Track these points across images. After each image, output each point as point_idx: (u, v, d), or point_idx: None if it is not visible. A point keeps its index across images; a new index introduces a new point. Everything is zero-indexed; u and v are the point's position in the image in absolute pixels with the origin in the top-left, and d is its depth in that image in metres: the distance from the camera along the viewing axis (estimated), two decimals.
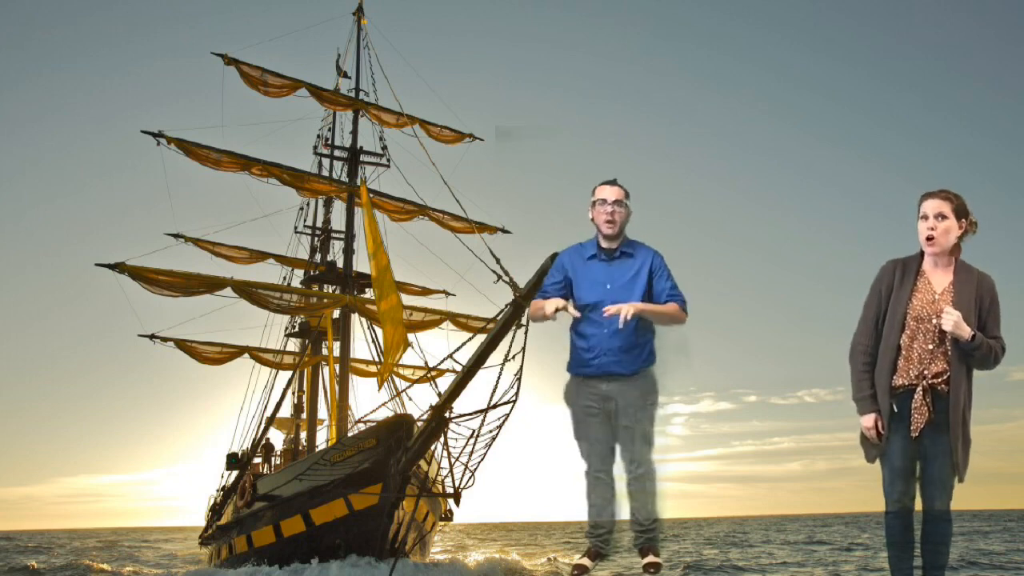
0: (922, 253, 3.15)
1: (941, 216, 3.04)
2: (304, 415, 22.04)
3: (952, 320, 2.94)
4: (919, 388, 3.02)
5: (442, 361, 9.62)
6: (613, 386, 3.55)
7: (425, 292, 20.26)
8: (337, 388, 16.83)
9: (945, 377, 3.02)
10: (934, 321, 3.03)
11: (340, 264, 17.98)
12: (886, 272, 3.18)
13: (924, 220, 3.07)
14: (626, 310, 3.41)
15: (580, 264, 3.65)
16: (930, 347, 3.04)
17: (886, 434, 3.08)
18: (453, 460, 9.89)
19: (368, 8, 19.13)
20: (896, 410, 3.06)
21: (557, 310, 3.51)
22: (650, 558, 3.60)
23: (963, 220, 3.07)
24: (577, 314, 3.52)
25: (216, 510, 18.83)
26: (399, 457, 10.75)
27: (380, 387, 14.50)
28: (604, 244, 3.66)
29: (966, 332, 2.93)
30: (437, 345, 22.85)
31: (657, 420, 3.61)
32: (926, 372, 3.03)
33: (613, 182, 3.67)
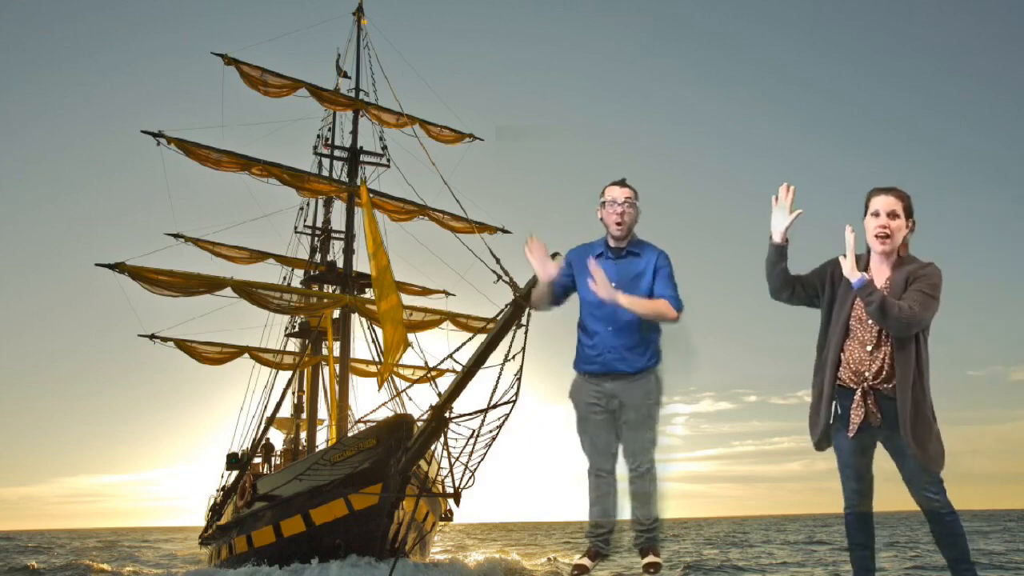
0: (868, 252, 3.12)
1: (894, 215, 3.02)
2: (304, 415, 22.04)
3: (846, 264, 2.90)
4: (858, 391, 3.00)
5: (442, 361, 9.66)
6: (617, 385, 3.55)
7: (425, 292, 20.27)
8: (337, 388, 16.84)
9: (884, 376, 2.98)
10: (870, 322, 3.01)
11: (340, 264, 17.98)
12: (835, 265, 3.11)
13: (875, 217, 3.03)
14: (604, 294, 3.44)
15: (588, 262, 3.65)
16: (868, 348, 3.01)
17: (824, 428, 3.08)
18: (453, 460, 9.90)
19: (368, 8, 19.19)
20: (840, 411, 3.06)
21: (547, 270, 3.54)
22: (650, 558, 3.60)
23: (911, 219, 3.06)
24: (553, 273, 3.55)
25: (216, 510, 18.83)
26: (399, 457, 10.75)
27: (380, 387, 14.51)
28: (612, 243, 3.66)
29: (855, 275, 2.88)
30: (437, 345, 22.93)
31: (660, 420, 3.61)
32: (866, 374, 3.00)
33: (623, 182, 3.67)
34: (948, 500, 3.01)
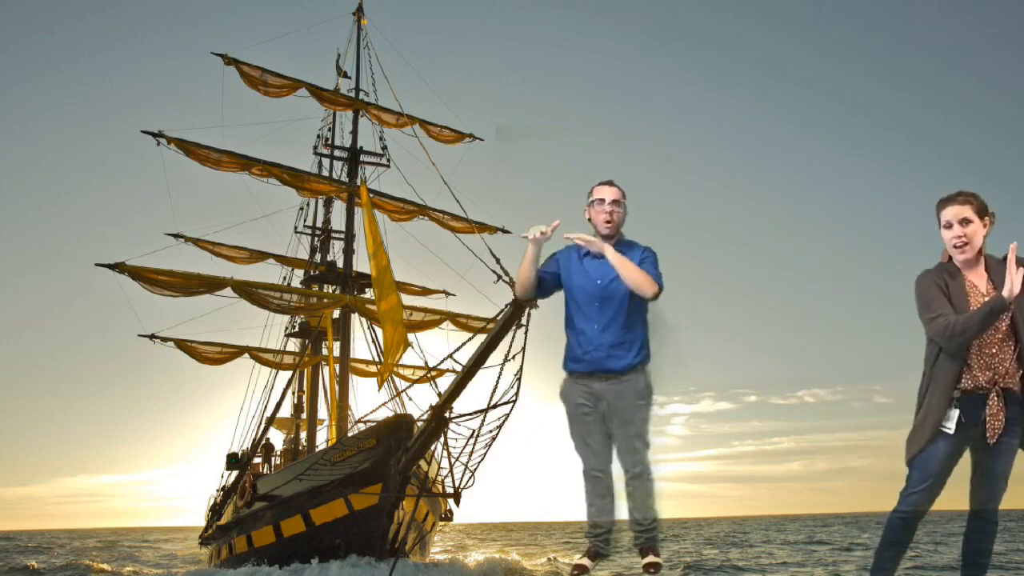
0: (949, 261, 3.05)
1: (966, 221, 2.96)
2: (304, 415, 22.05)
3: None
4: (992, 393, 2.93)
5: (442, 361, 9.64)
6: (605, 386, 3.55)
7: (425, 292, 20.27)
8: (337, 388, 16.84)
9: (1015, 376, 2.94)
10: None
11: (340, 264, 17.99)
12: (934, 276, 3.02)
13: (948, 228, 2.98)
14: (595, 248, 3.49)
15: (575, 262, 3.67)
16: (993, 350, 2.95)
17: (928, 441, 2.97)
18: (453, 460, 9.90)
19: (368, 8, 19.20)
20: (962, 418, 2.95)
21: (540, 235, 3.48)
22: (650, 558, 3.60)
23: (985, 218, 3.00)
24: (548, 230, 3.47)
25: (216, 510, 18.85)
26: (399, 457, 10.75)
27: (380, 387, 14.49)
28: None
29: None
30: (437, 345, 22.93)
31: (651, 420, 3.61)
32: (996, 377, 2.94)
33: (610, 182, 3.68)
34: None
